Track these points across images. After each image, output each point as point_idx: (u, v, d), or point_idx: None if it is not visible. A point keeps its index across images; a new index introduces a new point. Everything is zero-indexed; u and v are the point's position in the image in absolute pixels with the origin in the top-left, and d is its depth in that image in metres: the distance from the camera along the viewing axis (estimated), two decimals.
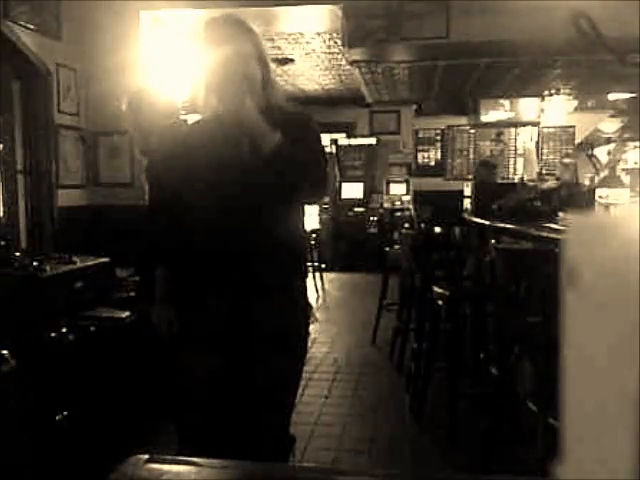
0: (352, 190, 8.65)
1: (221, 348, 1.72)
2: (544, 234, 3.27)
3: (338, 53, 5.98)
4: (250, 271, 1.69)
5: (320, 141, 1.78)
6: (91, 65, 4.10)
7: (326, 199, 8.63)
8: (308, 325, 1.85)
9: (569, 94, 6.98)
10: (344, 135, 8.97)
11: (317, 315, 5.73)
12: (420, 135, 8.54)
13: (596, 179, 5.71)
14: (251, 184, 1.64)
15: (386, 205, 8.48)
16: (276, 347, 1.71)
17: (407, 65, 5.49)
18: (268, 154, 1.54)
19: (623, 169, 6.58)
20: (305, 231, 1.88)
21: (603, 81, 6.05)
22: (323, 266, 7.55)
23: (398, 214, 7.90)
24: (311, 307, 1.88)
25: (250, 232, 1.67)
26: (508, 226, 3.87)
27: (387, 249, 4.97)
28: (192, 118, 1.96)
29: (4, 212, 3.63)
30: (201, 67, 1.68)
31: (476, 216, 4.82)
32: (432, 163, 8.56)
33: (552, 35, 4.23)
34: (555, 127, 8.04)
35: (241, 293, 1.70)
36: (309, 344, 4.72)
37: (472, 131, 8.31)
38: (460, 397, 3.04)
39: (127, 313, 2.90)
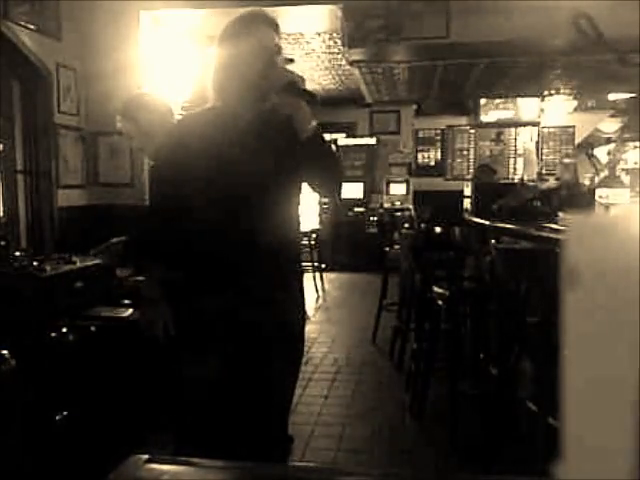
0: (352, 190, 8.64)
1: (219, 348, 1.72)
2: (544, 234, 3.28)
3: (338, 53, 5.98)
4: (249, 271, 1.69)
5: None
6: (91, 65, 4.10)
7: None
8: (304, 325, 1.85)
9: (569, 94, 6.98)
10: (344, 135, 8.97)
11: (311, 316, 5.73)
12: (420, 135, 8.54)
13: (596, 179, 5.71)
14: (255, 178, 1.65)
15: (386, 205, 8.47)
16: (274, 347, 1.71)
17: (407, 65, 5.49)
18: (308, 136, 1.62)
19: (623, 169, 6.58)
20: (300, 231, 1.89)
21: (603, 81, 6.05)
22: (323, 266, 7.55)
23: (398, 214, 7.89)
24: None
25: (249, 231, 1.67)
26: (508, 226, 3.87)
27: (387, 249, 4.97)
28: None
29: (4, 212, 3.63)
30: (230, 60, 1.68)
31: (476, 216, 4.82)
32: (432, 163, 8.56)
33: (552, 35, 4.23)
34: (555, 127, 8.04)
35: (237, 292, 1.70)
36: (308, 344, 4.72)
37: (472, 131, 8.32)
38: (460, 397, 3.04)
39: (127, 313, 2.90)
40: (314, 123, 1.63)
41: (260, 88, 1.64)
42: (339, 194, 1.84)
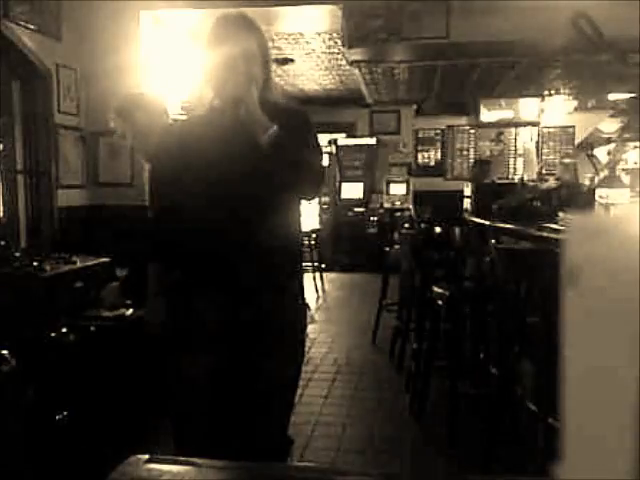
0: (352, 190, 8.65)
1: (218, 348, 1.71)
2: (544, 234, 3.28)
3: (338, 53, 5.98)
4: (248, 271, 1.69)
5: (316, 136, 1.80)
6: (91, 65, 4.10)
7: (326, 198, 8.64)
8: (306, 325, 1.85)
9: (569, 94, 6.98)
10: (344, 135, 8.97)
11: (315, 316, 5.73)
12: (420, 135, 8.54)
13: (596, 179, 5.71)
14: (249, 178, 1.64)
15: (386, 205, 8.47)
16: (273, 348, 1.71)
17: (407, 65, 5.49)
18: (265, 144, 1.57)
19: (623, 169, 6.57)
20: (301, 231, 1.88)
21: (603, 81, 6.05)
22: (323, 266, 7.55)
23: (398, 214, 7.89)
24: (309, 308, 1.88)
25: (248, 231, 1.67)
26: (508, 226, 3.88)
27: (387, 249, 4.97)
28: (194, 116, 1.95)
29: (4, 212, 3.63)
30: (206, 63, 1.69)
31: (476, 216, 4.83)
32: (432, 163, 8.56)
33: (552, 35, 4.23)
34: (555, 127, 8.04)
35: (238, 293, 1.70)
36: (308, 344, 4.72)
37: (472, 131, 8.32)
38: (460, 397, 3.04)
39: (127, 313, 2.89)
40: (272, 130, 1.58)
41: (239, 90, 1.64)
42: (316, 194, 1.81)
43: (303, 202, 1.81)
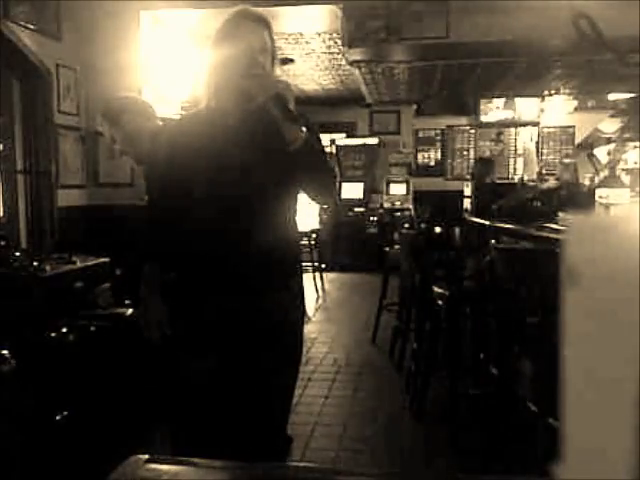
0: (352, 190, 8.64)
1: (217, 348, 1.71)
2: (544, 234, 3.28)
3: (338, 53, 5.98)
4: (246, 271, 1.69)
5: (321, 140, 1.81)
6: (91, 65, 4.10)
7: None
8: (303, 325, 1.85)
9: (569, 94, 6.98)
10: (344, 135, 8.96)
11: (312, 316, 5.73)
12: (420, 135, 8.54)
13: (596, 179, 5.71)
14: (249, 177, 1.64)
15: (386, 205, 8.47)
16: (272, 347, 1.71)
17: (407, 65, 5.49)
18: (297, 146, 1.56)
19: (623, 169, 6.57)
20: (298, 231, 1.87)
21: (603, 81, 6.05)
22: (323, 266, 7.54)
23: (398, 214, 7.89)
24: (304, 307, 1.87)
25: (247, 231, 1.66)
26: (508, 226, 3.88)
27: (387, 249, 4.97)
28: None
29: (4, 212, 3.63)
30: (218, 57, 1.68)
31: (476, 216, 4.83)
32: (432, 163, 8.56)
33: (552, 35, 4.23)
34: (555, 127, 8.05)
35: (237, 292, 1.70)
36: (308, 344, 4.71)
37: (472, 131, 8.32)
38: (460, 397, 3.04)
39: (127, 313, 2.90)
40: (302, 134, 1.57)
41: (249, 87, 1.63)
42: (335, 200, 1.80)
43: (300, 201, 1.80)
